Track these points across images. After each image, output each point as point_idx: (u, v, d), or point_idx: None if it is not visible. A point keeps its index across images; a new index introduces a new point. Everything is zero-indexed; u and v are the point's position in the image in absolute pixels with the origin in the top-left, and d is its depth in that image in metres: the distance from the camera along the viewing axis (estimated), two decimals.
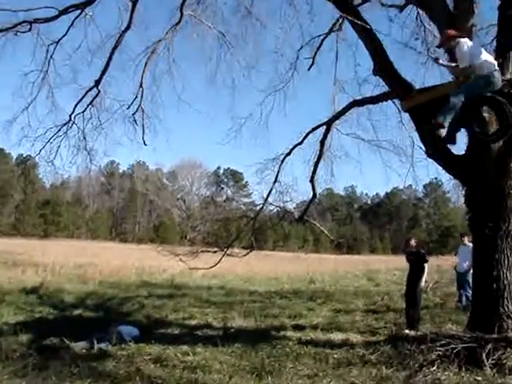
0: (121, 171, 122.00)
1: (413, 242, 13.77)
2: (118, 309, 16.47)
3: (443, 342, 8.56)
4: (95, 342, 10.32)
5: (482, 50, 8.82)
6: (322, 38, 16.17)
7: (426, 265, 12.76)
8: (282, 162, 15.59)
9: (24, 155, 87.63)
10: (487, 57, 8.54)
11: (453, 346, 8.37)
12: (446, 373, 7.85)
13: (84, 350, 10.00)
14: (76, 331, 11.24)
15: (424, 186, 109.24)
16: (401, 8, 13.60)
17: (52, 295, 18.27)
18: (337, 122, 15.06)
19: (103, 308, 16.29)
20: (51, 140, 16.22)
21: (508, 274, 9.32)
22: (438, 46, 9.89)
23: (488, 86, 8.38)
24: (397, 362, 8.65)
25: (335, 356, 9.44)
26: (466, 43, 8.53)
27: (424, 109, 9.87)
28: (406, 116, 13.52)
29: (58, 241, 74.33)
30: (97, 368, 8.48)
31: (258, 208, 16.78)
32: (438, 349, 8.44)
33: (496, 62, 8.55)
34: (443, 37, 9.21)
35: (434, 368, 8.00)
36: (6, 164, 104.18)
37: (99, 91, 16.08)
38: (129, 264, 31.45)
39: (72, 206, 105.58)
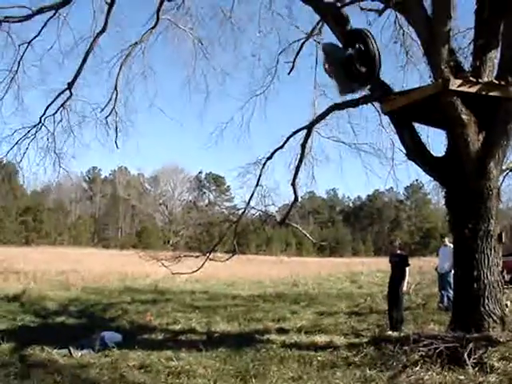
0: (102, 177, 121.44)
1: (397, 244, 13.95)
2: (101, 315, 16.40)
3: (426, 342, 8.60)
4: (78, 349, 10.28)
5: None
6: (301, 42, 16.30)
7: (407, 268, 12.85)
8: (264, 165, 15.63)
9: (4, 162, 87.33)
10: None
11: (435, 345, 8.42)
12: (429, 372, 7.88)
13: (67, 358, 9.94)
14: (59, 338, 11.20)
15: (405, 188, 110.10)
16: (379, 12, 13.67)
17: (34, 302, 18.15)
18: (317, 125, 15.11)
19: (86, 314, 16.22)
20: (19, 142, 16.19)
21: (488, 274, 9.40)
22: None
23: None
24: (380, 363, 8.69)
25: (319, 358, 9.45)
26: None
27: (404, 111, 9.97)
28: (385, 119, 13.67)
29: (39, 248, 73.71)
30: (80, 375, 8.44)
31: (241, 212, 16.78)
32: (421, 349, 8.49)
33: None
34: None
35: (417, 368, 8.05)
36: None
37: (71, 94, 16.01)
38: (112, 270, 31.37)
39: (54, 212, 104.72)
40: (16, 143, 16.25)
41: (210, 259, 15.54)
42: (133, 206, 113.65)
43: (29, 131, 16.35)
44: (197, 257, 15.78)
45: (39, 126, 16.46)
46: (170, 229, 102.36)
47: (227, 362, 9.30)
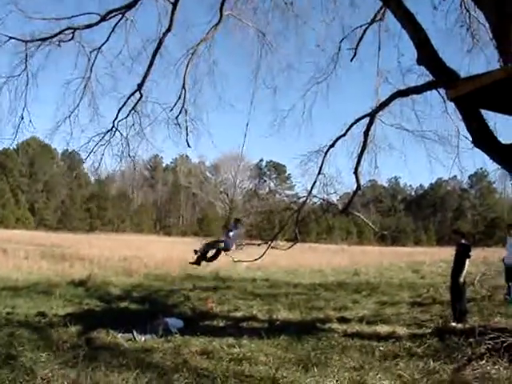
0: (164, 165, 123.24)
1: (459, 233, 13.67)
2: (164, 301, 16.63)
3: (492, 335, 8.39)
4: (142, 334, 10.46)
5: None
6: (363, 28, 16.05)
7: (467, 259, 12.44)
8: (326, 153, 15.52)
9: (69, 151, 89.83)
10: None
11: (502, 339, 8.20)
12: (496, 367, 7.68)
13: (131, 342, 10.12)
14: (123, 323, 11.41)
15: (469, 177, 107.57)
16: None
17: (99, 288, 18.61)
18: (380, 112, 14.87)
19: (149, 300, 16.45)
20: (95, 149, 16.61)
21: None
22: None
23: None
24: (444, 355, 8.55)
25: (381, 348, 9.38)
26: None
27: (471, 97, 9.69)
28: (451, 105, 13.31)
29: (103, 234, 75.46)
30: (144, 359, 8.56)
31: (302, 200, 16.73)
32: (487, 342, 8.29)
33: None
34: None
35: (483, 362, 7.86)
36: (51, 159, 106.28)
37: (141, 95, 16.27)
38: (173, 257, 31.75)
39: (117, 199, 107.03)
40: (91, 151, 16.79)
41: (272, 247, 15.56)
42: (194, 193, 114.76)
43: (103, 137, 16.78)
44: (258, 245, 15.84)
45: (113, 131, 16.86)
46: (231, 217, 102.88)
47: (289, 350, 9.32)
